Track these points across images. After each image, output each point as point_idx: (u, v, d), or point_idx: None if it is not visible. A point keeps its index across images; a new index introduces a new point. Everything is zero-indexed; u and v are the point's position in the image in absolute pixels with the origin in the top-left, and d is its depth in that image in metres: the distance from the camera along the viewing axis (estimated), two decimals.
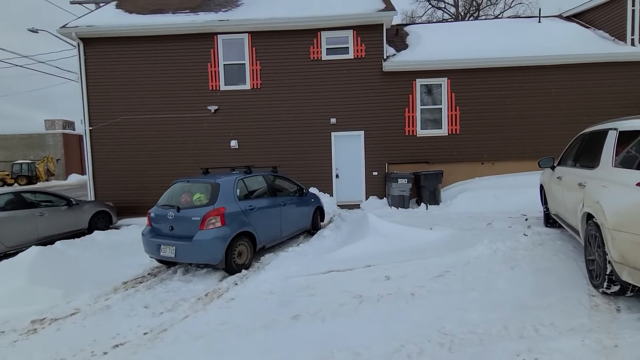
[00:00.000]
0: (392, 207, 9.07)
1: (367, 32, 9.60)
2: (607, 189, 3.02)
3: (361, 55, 9.65)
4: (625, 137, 3.18)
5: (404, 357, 2.55)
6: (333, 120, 9.79)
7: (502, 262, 4.37)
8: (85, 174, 10.81)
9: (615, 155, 3.18)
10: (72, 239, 7.21)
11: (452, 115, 9.70)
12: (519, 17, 12.16)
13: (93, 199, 9.96)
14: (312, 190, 9.12)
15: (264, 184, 5.72)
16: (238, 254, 4.80)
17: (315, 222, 6.94)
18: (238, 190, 5.06)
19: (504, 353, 2.45)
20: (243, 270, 4.81)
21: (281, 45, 9.74)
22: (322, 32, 9.65)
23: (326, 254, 5.05)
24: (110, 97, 9.93)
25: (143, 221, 9.35)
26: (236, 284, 4.43)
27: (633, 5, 9.35)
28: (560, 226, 5.69)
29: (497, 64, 9.35)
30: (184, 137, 9.98)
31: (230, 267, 4.64)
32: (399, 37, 11.10)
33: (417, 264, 4.52)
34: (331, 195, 9.78)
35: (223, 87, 9.90)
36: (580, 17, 11.19)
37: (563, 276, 3.73)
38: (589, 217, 3.48)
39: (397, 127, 9.77)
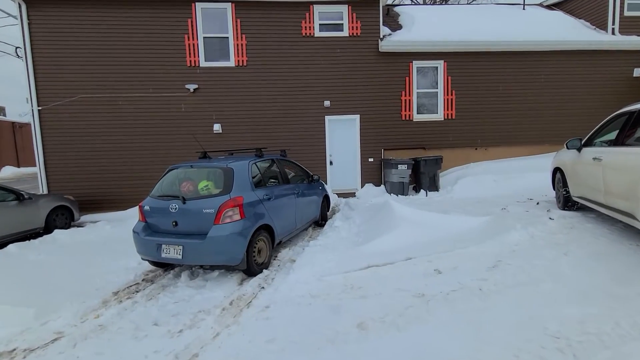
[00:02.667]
0: (391, 194, 8.70)
1: (363, 8, 8.97)
2: None
3: (356, 33, 9.03)
4: None
5: None
6: (327, 103, 9.12)
7: (549, 248, 4.10)
8: (22, 167, 9.12)
9: None
10: (27, 241, 5.93)
11: (448, 99, 9.48)
12: (502, 4, 12.19)
13: (46, 192, 8.42)
14: None
15: (277, 169, 4.97)
16: (258, 251, 4.06)
17: (323, 213, 6.33)
18: (252, 177, 4.27)
19: None
20: (264, 271, 4.08)
21: (269, 18, 8.79)
22: (314, 5, 8.85)
23: (357, 247, 4.48)
24: (64, 72, 8.35)
25: (112, 217, 8.15)
26: (262, 287, 3.71)
27: None
28: (580, 209, 5.66)
29: (492, 48, 9.24)
30: (158, 119, 8.73)
31: (252, 267, 3.90)
32: (390, 17, 10.61)
33: (460, 255, 4.11)
34: (325, 183, 9.17)
35: (203, 64, 8.76)
36: (561, 7, 11.48)
37: (627, 260, 3.51)
38: None
39: (394, 111, 9.36)
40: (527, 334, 2.44)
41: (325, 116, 9.18)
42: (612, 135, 4.73)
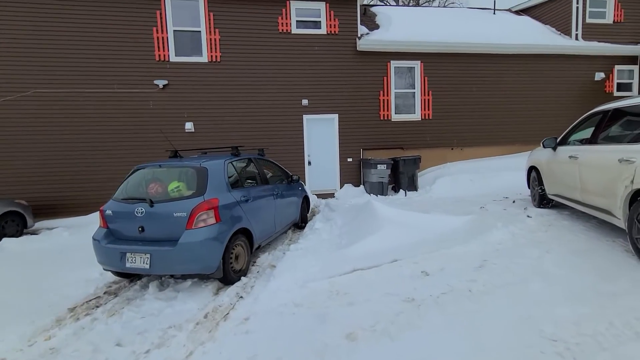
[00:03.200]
0: (371, 194, 8.61)
1: (341, 5, 8.85)
2: None
3: (334, 32, 8.88)
4: None
5: None
6: (305, 102, 8.90)
7: (532, 246, 4.10)
8: None
9: None
10: None
11: (425, 99, 9.55)
12: (474, 8, 12.52)
13: None
14: None
15: (254, 169, 4.68)
16: (235, 257, 3.76)
17: (303, 214, 6.09)
18: (228, 177, 3.97)
19: None
20: (242, 278, 3.78)
21: (244, 12, 8.45)
22: (291, 1, 8.62)
23: (340, 250, 4.27)
24: (14, 64, 7.57)
25: (72, 222, 7.46)
26: (241, 297, 3.41)
27: (577, 3, 10.18)
28: (555, 206, 5.79)
29: (466, 50, 9.41)
30: (124, 117, 8.13)
31: (228, 275, 3.59)
32: (367, 17, 10.57)
33: (446, 255, 4.02)
34: (304, 183, 8.93)
35: (173, 58, 8.27)
36: (528, 12, 11.96)
37: (608, 256, 3.55)
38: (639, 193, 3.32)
39: (372, 110, 9.30)
40: (524, 338, 2.33)
41: (304, 115, 8.96)
42: (586, 134, 4.85)
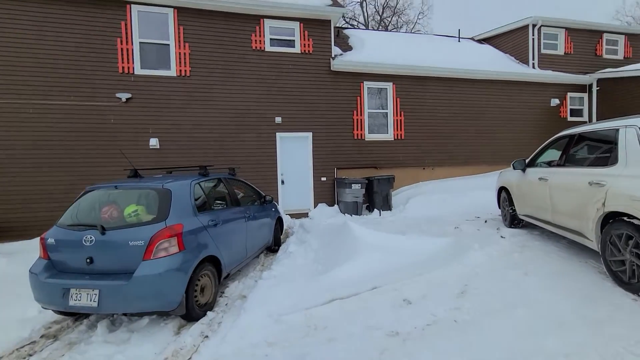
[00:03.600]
0: (345, 214, 8.45)
1: (315, 26, 8.91)
2: None
3: (308, 51, 8.88)
4: None
5: None
6: (278, 120, 8.72)
7: (510, 269, 4.07)
8: None
9: None
10: None
11: (397, 120, 9.70)
12: (441, 35, 13.19)
13: None
14: None
15: (224, 190, 4.35)
16: (200, 289, 3.36)
17: (277, 236, 5.77)
18: (195, 199, 3.62)
19: None
20: (209, 313, 3.38)
21: (216, 28, 8.25)
22: (265, 19, 8.55)
23: (317, 276, 3.99)
24: None
25: (12, 248, 6.58)
26: (206, 336, 3.02)
27: (533, 35, 11.00)
28: (525, 226, 5.90)
29: (435, 74, 9.76)
30: (80, 131, 7.48)
31: (192, 311, 3.19)
32: (341, 39, 10.76)
33: (427, 280, 3.88)
34: (277, 203, 8.61)
35: (139, 71, 7.82)
36: (489, 41, 12.76)
37: (584, 279, 3.56)
38: (611, 216, 3.38)
39: (346, 129, 9.28)
40: None
41: (277, 133, 8.75)
42: (554, 156, 5.03)
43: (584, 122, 11.22)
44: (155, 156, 7.88)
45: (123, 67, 7.70)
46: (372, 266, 4.07)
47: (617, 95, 10.65)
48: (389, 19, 29.13)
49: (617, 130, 3.54)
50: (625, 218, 3.17)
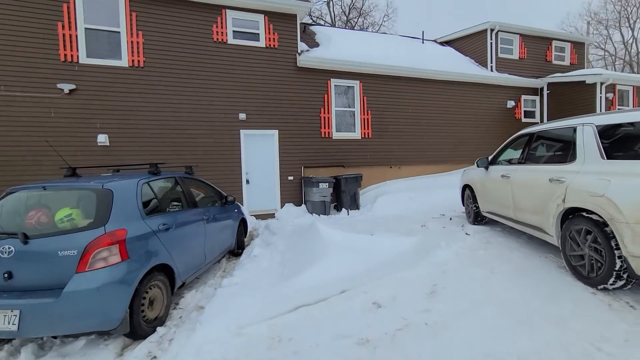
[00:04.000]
0: (313, 214, 8.25)
1: (280, 20, 8.60)
2: (612, 182, 2.94)
3: (274, 45, 8.56)
4: (607, 131, 3.23)
5: None
6: (242, 116, 8.31)
7: (475, 266, 4.07)
8: None
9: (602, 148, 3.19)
10: None
11: (364, 119, 9.66)
12: (405, 36, 13.41)
13: None
14: None
15: (180, 190, 3.94)
16: (149, 302, 2.98)
17: (240, 239, 5.42)
18: (143, 201, 3.21)
19: None
20: (159, 329, 3.00)
21: (173, 16, 7.68)
22: (227, 10, 8.11)
23: (282, 282, 3.73)
24: None
25: None
26: (154, 357, 2.65)
27: (491, 39, 11.48)
28: (488, 223, 6.04)
29: (402, 73, 9.84)
30: (14, 126, 6.61)
31: (138, 328, 2.80)
32: (307, 35, 10.54)
33: (396, 281, 3.76)
34: (241, 204, 8.22)
35: (84, 60, 7.07)
36: (451, 44, 13.17)
37: (546, 275, 3.62)
38: (571, 212, 3.46)
39: (313, 127, 9.08)
40: None
41: (241, 130, 8.34)
42: (514, 154, 5.16)
43: (536, 123, 11.92)
44: (103, 154, 7.17)
45: (65, 55, 6.92)
46: (340, 268, 3.89)
47: (565, 98, 11.41)
48: (355, 20, 29.48)
49: (575, 128, 3.64)
50: (584, 214, 3.24)
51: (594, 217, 3.11)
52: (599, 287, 3.12)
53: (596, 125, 3.36)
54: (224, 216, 4.81)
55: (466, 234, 5.47)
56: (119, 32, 7.31)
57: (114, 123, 7.29)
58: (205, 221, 4.07)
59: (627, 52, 28.20)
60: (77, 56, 7.00)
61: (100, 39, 7.23)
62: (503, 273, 3.79)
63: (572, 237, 3.45)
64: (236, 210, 5.36)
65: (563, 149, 3.81)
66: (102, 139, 7.16)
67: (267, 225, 6.03)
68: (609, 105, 10.55)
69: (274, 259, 4.87)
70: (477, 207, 5.92)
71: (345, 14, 29.15)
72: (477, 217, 5.98)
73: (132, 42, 7.37)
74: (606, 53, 28.78)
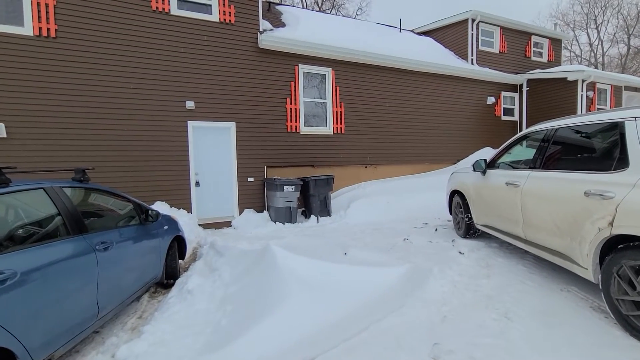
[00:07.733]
0: (277, 222, 7.00)
1: None
2: None
3: (230, 20, 7.15)
4: None
5: None
6: (190, 104, 6.85)
7: (483, 307, 3.04)
8: None
9: None
10: None
11: (337, 112, 8.50)
12: (381, 24, 12.40)
13: None
14: (158, 206, 5.97)
15: (51, 209, 2.53)
16: None
17: (172, 265, 4.06)
18: None
19: None
20: None
21: None
22: None
23: (213, 352, 2.45)
24: None
25: None
26: None
27: (472, 30, 10.72)
28: (481, 236, 5.10)
29: (379, 62, 8.78)
30: None
31: None
32: (272, 14, 9.19)
33: (383, 335, 2.64)
34: (189, 211, 6.78)
35: None
36: (430, 34, 12.33)
37: (583, 324, 2.63)
38: (620, 239, 2.48)
39: (278, 120, 7.78)
40: None
41: (188, 121, 6.87)
42: (521, 157, 4.21)
43: (515, 122, 11.37)
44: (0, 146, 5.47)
45: None
46: (303, 321, 2.68)
47: (544, 95, 10.91)
48: (328, 12, 28.27)
49: (623, 123, 2.67)
50: None
51: None
52: None
53: None
54: (142, 238, 3.43)
55: (460, 252, 4.49)
56: None
57: (14, 110, 5.59)
58: (97, 251, 2.69)
59: (592, 54, 29.23)
60: None
61: None
62: (522, 319, 2.78)
63: (622, 274, 2.48)
64: (166, 227, 3.99)
65: (603, 152, 2.84)
66: None
67: (213, 244, 4.68)
68: (589, 104, 10.15)
69: (216, 295, 3.58)
70: (470, 218, 4.96)
71: (317, 5, 27.84)
72: (469, 230, 5.03)
73: (38, 3, 5.67)
74: (572, 54, 29.67)
